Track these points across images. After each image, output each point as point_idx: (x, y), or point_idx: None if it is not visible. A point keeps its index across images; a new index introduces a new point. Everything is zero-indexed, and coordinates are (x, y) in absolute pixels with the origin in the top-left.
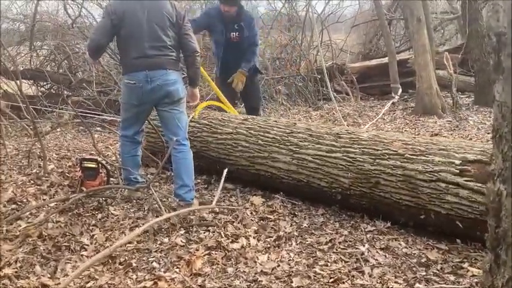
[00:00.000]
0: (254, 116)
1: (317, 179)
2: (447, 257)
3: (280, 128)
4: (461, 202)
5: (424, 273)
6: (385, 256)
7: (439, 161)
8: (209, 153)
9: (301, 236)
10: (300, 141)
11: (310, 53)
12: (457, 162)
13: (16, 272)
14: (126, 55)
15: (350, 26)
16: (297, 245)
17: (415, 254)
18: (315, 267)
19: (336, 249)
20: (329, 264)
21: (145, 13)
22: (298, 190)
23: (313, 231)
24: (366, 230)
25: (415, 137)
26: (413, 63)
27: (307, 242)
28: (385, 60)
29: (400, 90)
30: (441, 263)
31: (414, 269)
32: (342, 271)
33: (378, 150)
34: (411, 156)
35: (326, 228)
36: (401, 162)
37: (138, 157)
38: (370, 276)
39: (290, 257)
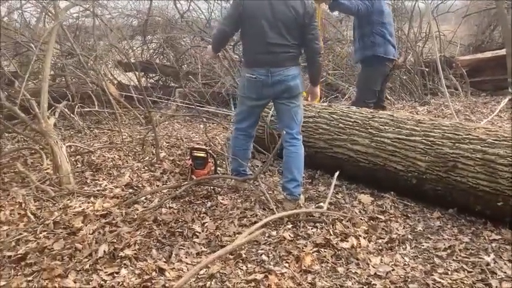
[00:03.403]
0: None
1: (394, 162)
2: None
3: (363, 114)
4: None
5: None
6: None
7: None
8: None
9: (416, 240)
10: (381, 125)
11: (416, 44)
12: None
13: (135, 253)
14: (249, 49)
15: (461, 16)
16: (412, 249)
17: None
18: (433, 275)
19: (456, 257)
20: (449, 272)
21: (273, 9)
22: (373, 175)
23: (429, 235)
24: (490, 238)
25: (501, 127)
26: None
27: (422, 247)
28: (502, 52)
29: None
30: None
31: None
32: (465, 282)
33: (458, 135)
34: (493, 141)
35: (443, 233)
36: (481, 146)
37: (249, 151)
38: None
39: (405, 261)
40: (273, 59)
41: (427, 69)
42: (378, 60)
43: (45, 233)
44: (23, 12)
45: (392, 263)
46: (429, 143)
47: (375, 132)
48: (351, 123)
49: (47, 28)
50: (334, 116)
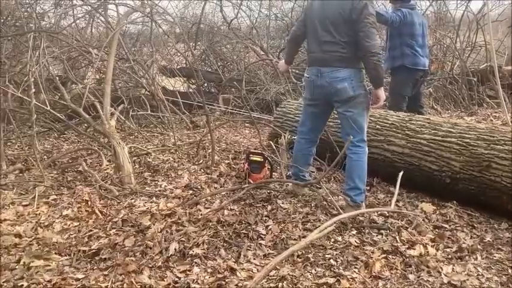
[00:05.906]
0: None
1: (429, 162)
2: None
3: (400, 117)
4: None
5: None
6: None
7: None
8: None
9: (486, 251)
10: (418, 127)
11: (463, 53)
12: None
13: (204, 253)
14: (307, 49)
15: (507, 25)
16: (483, 259)
17: None
18: (510, 287)
19: None
20: None
21: (323, 8)
22: (408, 174)
23: (499, 246)
24: None
25: None
26: None
27: (494, 258)
28: None
29: None
30: None
31: None
32: None
33: (493, 137)
34: None
35: None
36: None
37: (310, 156)
38: None
39: (478, 271)
40: (322, 58)
41: (474, 79)
42: (406, 70)
43: (114, 230)
44: (75, 17)
45: (465, 272)
46: (464, 144)
47: (411, 133)
48: (388, 125)
49: (94, 33)
50: (371, 118)
